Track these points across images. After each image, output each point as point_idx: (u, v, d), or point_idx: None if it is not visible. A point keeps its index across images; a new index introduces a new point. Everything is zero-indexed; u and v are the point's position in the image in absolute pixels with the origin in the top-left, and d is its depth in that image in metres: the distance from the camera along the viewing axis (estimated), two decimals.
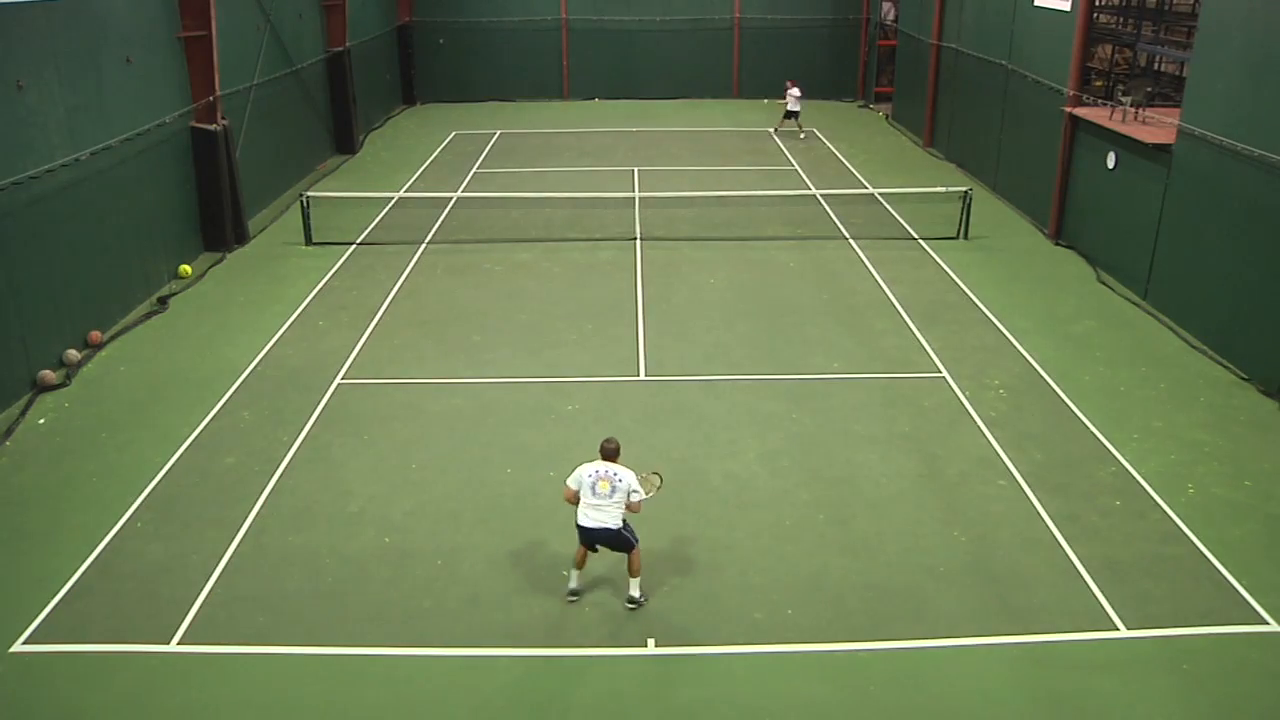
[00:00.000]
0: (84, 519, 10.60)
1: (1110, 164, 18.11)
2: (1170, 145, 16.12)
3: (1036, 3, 21.35)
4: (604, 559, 9.56)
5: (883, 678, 8.41)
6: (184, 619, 9.09)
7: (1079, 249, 19.36)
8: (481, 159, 27.49)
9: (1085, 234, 19.23)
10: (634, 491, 8.98)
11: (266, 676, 8.44)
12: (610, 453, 9.09)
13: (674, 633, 8.95)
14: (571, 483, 9.05)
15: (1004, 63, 23.16)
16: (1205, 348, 14.86)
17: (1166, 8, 20.47)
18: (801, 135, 30.12)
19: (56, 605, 9.29)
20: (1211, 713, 8.04)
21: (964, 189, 20.49)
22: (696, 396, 13.40)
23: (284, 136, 23.70)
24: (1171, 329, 15.63)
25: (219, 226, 19.38)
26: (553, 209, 21.91)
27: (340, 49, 27.52)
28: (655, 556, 9.80)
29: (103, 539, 10.26)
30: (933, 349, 14.83)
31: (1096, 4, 19.50)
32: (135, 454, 11.93)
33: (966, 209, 20.11)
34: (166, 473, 11.52)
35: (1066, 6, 19.75)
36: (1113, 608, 9.21)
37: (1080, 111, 19.22)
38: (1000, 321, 15.88)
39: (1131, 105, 17.99)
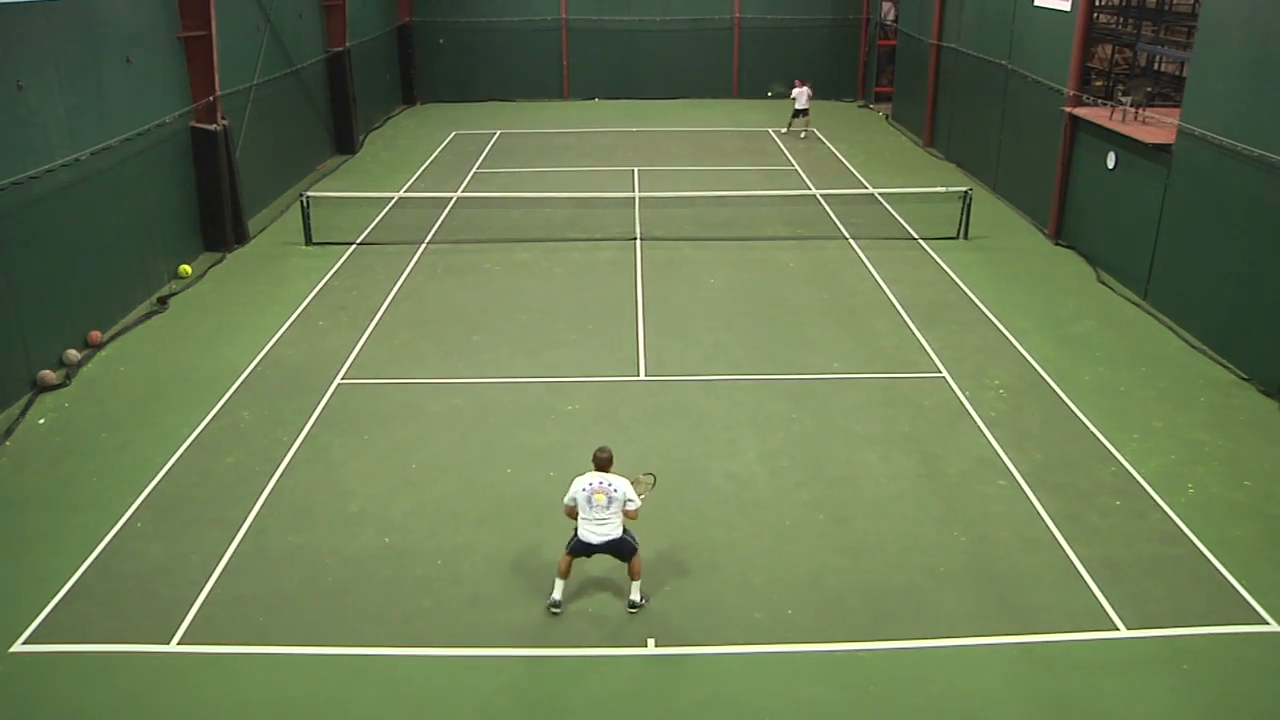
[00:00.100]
0: (84, 519, 10.60)
1: (1110, 164, 18.11)
2: (1170, 145, 16.12)
3: (1036, 3, 21.35)
4: (600, 563, 9.53)
5: (883, 678, 8.41)
6: (184, 619, 9.09)
7: (1079, 249, 19.36)
8: (481, 159, 27.48)
9: (1085, 234, 19.23)
10: (630, 500, 8.95)
11: (266, 676, 8.44)
12: (603, 463, 9.04)
13: (674, 633, 8.95)
14: (569, 500, 9.01)
15: (1004, 63, 23.15)
16: (1205, 348, 14.86)
17: (1166, 8, 20.45)
18: (802, 135, 30.12)
19: (56, 605, 9.29)
20: (1211, 712, 8.04)
21: (964, 189, 20.49)
22: (696, 396, 13.40)
23: (284, 136, 23.69)
24: (1171, 329, 15.63)
25: (219, 226, 19.38)
26: (553, 209, 21.91)
27: (340, 49, 27.52)
28: (655, 556, 9.80)
29: (103, 539, 10.26)
30: (933, 349, 14.83)
31: (1096, 4, 19.49)
32: (135, 454, 11.93)
33: (966, 209, 20.12)
34: (166, 473, 11.52)
35: (1066, 6, 19.74)
36: (1113, 608, 9.21)
37: (1080, 111, 19.22)
38: (1000, 321, 15.88)
39: (1131, 105, 17.98)
